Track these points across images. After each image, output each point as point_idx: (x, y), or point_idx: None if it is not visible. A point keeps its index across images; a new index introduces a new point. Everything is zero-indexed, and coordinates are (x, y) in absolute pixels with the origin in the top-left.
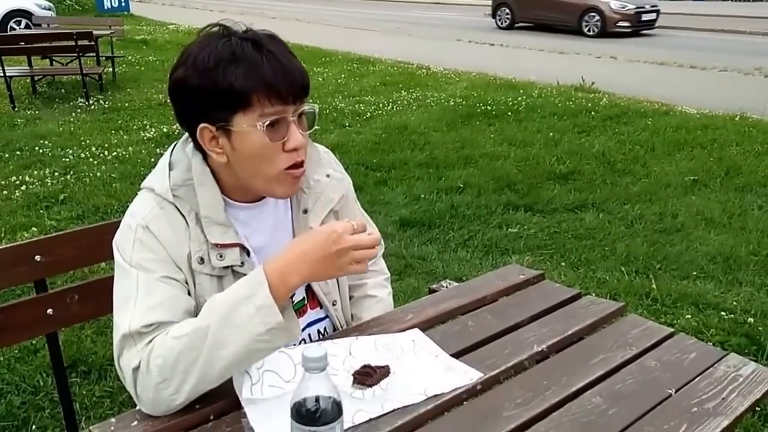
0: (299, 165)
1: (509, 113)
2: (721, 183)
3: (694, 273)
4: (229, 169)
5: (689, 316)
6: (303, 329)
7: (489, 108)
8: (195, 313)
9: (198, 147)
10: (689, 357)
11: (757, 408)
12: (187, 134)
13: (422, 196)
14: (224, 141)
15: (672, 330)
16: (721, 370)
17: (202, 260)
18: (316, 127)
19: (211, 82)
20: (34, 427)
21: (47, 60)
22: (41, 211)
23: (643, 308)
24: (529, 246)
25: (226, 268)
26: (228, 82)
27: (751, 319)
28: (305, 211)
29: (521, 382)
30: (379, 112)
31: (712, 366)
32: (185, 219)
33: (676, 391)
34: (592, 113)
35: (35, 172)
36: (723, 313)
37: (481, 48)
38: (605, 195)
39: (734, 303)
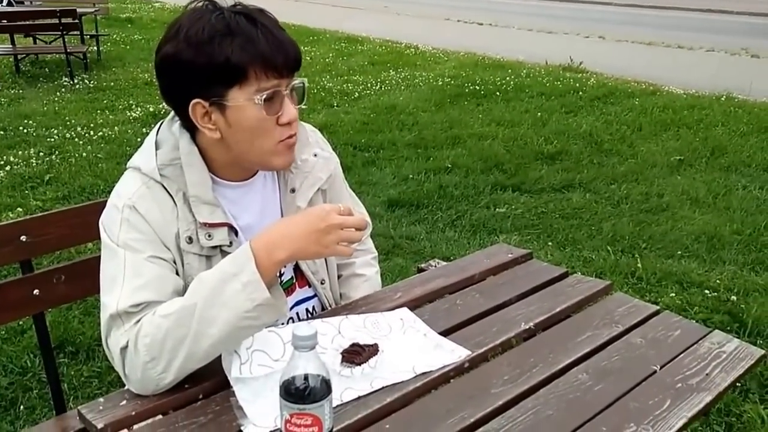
0: (292, 136)
1: (497, 93)
2: (707, 163)
3: (679, 252)
4: (220, 146)
5: (673, 295)
6: (291, 308)
7: (477, 88)
8: (183, 292)
9: (186, 125)
10: (674, 334)
11: (737, 384)
12: (173, 113)
13: (410, 176)
14: (218, 116)
15: (657, 308)
16: (705, 347)
17: (190, 240)
18: (304, 106)
19: (206, 56)
20: (22, 407)
21: (30, 38)
22: (26, 192)
23: (628, 287)
24: (517, 226)
25: (215, 247)
26: (224, 56)
27: (733, 297)
28: (293, 191)
29: (508, 360)
30: (368, 91)
31: (696, 343)
32: (173, 198)
33: (661, 368)
34: (580, 93)
35: (20, 153)
36: (707, 291)
37: (470, 27)
38: (592, 175)
39: (718, 281)
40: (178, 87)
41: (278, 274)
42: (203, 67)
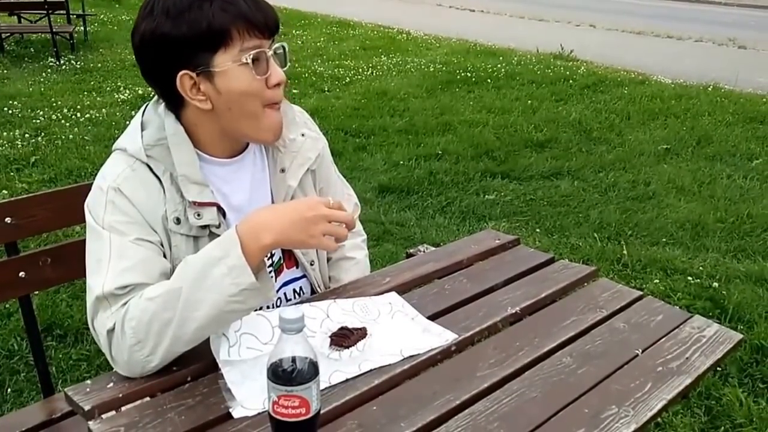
0: (278, 103)
1: (488, 80)
2: (693, 152)
3: (664, 239)
4: (210, 118)
5: (657, 281)
6: (279, 288)
7: (468, 74)
8: (170, 275)
9: (171, 105)
10: (656, 319)
11: (718, 368)
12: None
13: (401, 162)
14: (207, 86)
15: (640, 293)
16: (686, 332)
17: (178, 221)
18: (294, 91)
19: (186, 24)
20: (9, 390)
21: (15, 17)
22: (12, 174)
23: (614, 273)
24: (506, 212)
25: (204, 228)
26: (206, 21)
27: (715, 284)
28: (282, 170)
29: (495, 343)
30: (359, 76)
31: (677, 327)
32: (159, 180)
33: (643, 351)
34: (570, 81)
35: (5, 134)
36: (690, 278)
37: (462, 14)
38: (581, 163)
39: (700, 268)
40: (162, 63)
41: (268, 257)
42: (186, 36)
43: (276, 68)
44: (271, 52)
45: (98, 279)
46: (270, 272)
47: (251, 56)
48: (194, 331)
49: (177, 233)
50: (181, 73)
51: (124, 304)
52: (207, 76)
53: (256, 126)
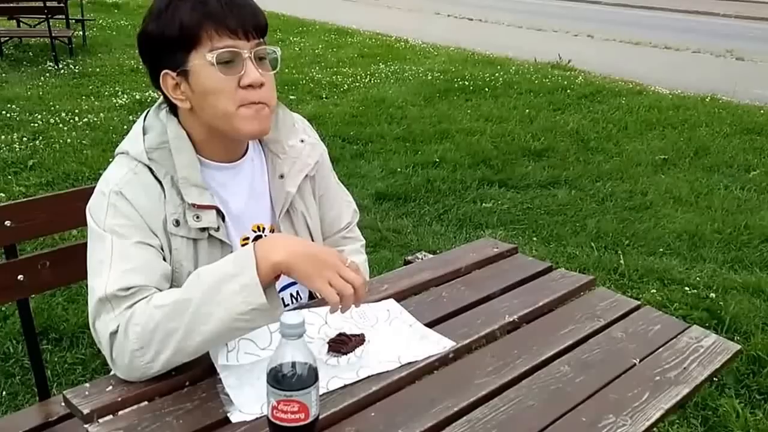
0: (259, 102)
1: (486, 89)
2: (690, 163)
3: (661, 249)
4: (194, 120)
5: (654, 291)
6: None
7: (466, 83)
8: (171, 278)
9: (170, 108)
10: (654, 329)
11: (714, 378)
12: (160, 100)
13: (398, 169)
14: (185, 86)
15: (638, 303)
16: (684, 341)
17: (177, 223)
18: (291, 97)
19: (164, 24)
20: (4, 393)
21: (14, 21)
22: (9, 177)
23: (610, 283)
24: (503, 221)
25: (203, 230)
26: (178, 21)
27: (712, 295)
28: (281, 176)
29: (492, 351)
30: (357, 84)
31: (675, 337)
32: (160, 183)
33: (641, 361)
34: (568, 91)
35: (3, 137)
36: (687, 288)
37: (460, 23)
38: (578, 172)
39: (698, 279)
40: (151, 61)
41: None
42: (163, 36)
43: (252, 69)
44: (249, 54)
45: (101, 281)
46: None
47: (215, 55)
48: (198, 343)
49: (177, 236)
50: (163, 72)
51: (129, 306)
52: (184, 76)
53: (232, 124)
